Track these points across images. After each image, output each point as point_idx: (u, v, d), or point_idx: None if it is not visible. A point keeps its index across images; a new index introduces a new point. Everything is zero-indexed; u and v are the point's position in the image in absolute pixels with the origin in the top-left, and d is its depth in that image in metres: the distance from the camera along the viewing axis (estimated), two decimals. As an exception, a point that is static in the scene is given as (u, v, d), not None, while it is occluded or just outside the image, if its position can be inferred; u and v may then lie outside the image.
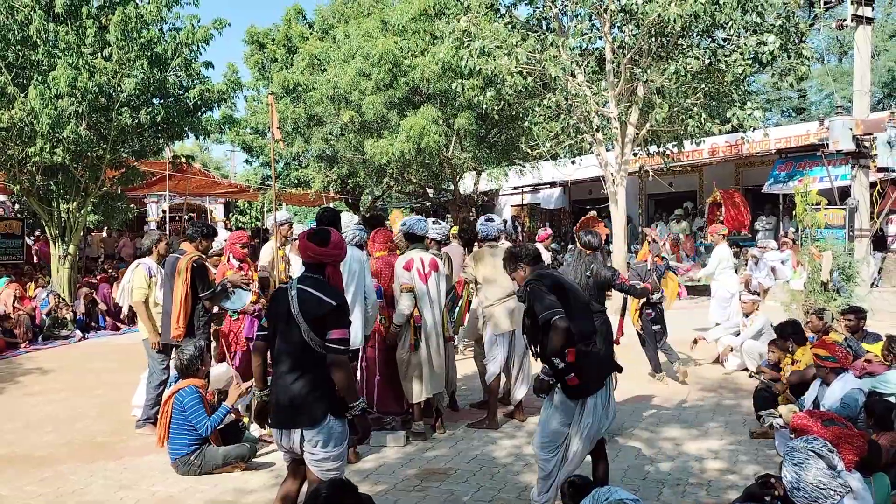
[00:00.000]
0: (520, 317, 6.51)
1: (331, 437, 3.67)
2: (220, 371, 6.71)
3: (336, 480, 3.31)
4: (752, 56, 11.51)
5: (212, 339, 6.92)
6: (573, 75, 12.77)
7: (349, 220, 6.21)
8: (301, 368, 3.68)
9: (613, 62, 12.66)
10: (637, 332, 8.18)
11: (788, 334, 6.68)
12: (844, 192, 12.96)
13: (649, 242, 8.64)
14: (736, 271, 10.69)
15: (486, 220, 6.80)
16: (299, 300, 3.68)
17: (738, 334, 8.65)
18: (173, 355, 6.29)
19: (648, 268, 8.23)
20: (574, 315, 4.12)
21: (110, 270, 15.46)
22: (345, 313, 3.75)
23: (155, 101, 13.47)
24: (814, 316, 7.56)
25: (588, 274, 5.89)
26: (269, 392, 3.87)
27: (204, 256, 6.53)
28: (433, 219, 7.32)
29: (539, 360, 4.29)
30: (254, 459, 5.62)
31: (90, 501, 4.97)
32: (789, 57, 12.18)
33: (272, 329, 3.82)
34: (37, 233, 18.04)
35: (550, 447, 4.26)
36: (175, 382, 5.98)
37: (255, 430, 6.03)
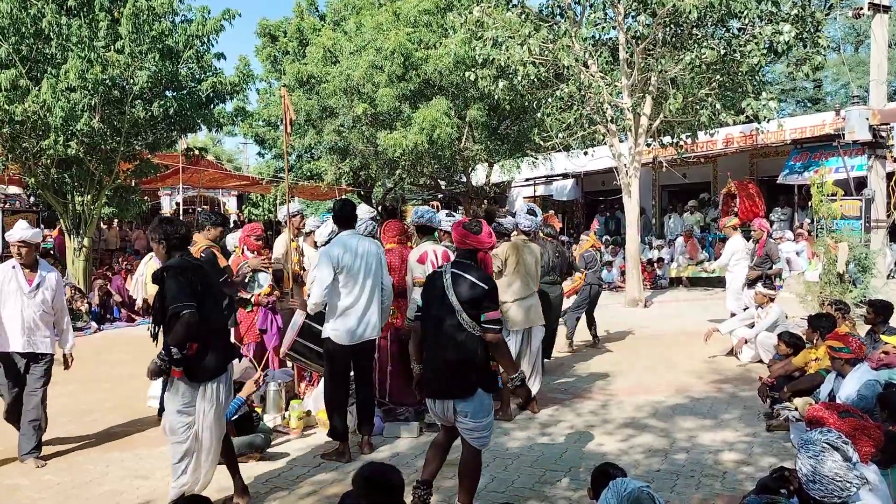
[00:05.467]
0: (535, 314, 6.54)
1: (480, 408, 4.08)
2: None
3: (379, 466, 3.33)
4: (767, 46, 11.39)
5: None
6: (586, 65, 12.69)
7: (364, 213, 6.20)
8: (454, 345, 4.05)
9: (627, 52, 12.57)
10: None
11: (818, 327, 6.42)
12: (861, 183, 12.82)
13: (594, 233, 9.86)
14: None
15: (529, 213, 6.90)
16: (454, 282, 4.05)
17: (752, 326, 8.61)
18: None
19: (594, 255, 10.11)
20: (208, 312, 4.22)
21: (125, 263, 15.54)
22: (496, 296, 4.14)
23: (167, 93, 13.54)
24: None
25: (556, 255, 7.87)
26: (423, 366, 4.29)
27: (214, 245, 6.56)
28: (446, 210, 7.29)
29: (154, 340, 4.33)
30: (268, 450, 5.64)
31: (106, 491, 5.01)
32: (805, 46, 12.05)
33: (426, 309, 4.22)
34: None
35: (180, 430, 4.28)
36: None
37: (269, 421, 6.06)
